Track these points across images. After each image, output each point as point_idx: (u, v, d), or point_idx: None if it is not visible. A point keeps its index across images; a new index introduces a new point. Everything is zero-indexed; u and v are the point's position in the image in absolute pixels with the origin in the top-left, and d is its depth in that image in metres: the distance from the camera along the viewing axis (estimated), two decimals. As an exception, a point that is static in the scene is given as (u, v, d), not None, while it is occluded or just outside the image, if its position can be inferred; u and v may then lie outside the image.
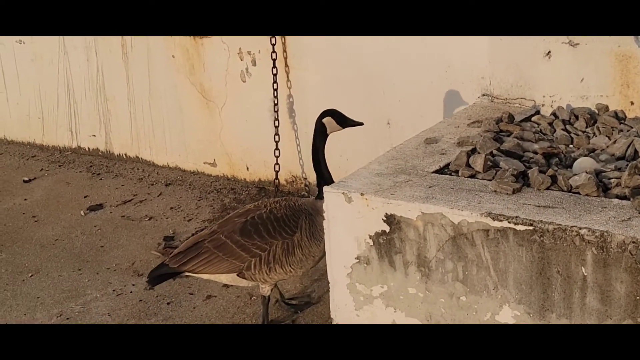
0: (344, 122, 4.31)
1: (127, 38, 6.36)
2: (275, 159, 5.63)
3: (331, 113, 4.32)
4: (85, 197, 6.18)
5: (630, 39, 3.81)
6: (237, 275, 4.13)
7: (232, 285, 4.72)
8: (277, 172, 5.67)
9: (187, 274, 4.19)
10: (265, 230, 4.08)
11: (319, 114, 5.19)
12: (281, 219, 4.10)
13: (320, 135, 4.29)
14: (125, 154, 6.76)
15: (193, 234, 5.34)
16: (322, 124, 4.28)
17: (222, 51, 5.87)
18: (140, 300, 4.67)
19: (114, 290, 4.81)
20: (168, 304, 4.62)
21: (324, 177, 4.22)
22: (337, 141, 4.62)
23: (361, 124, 4.31)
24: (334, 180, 3.98)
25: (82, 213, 5.88)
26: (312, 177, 5.71)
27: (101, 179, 6.51)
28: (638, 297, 2.75)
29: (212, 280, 4.35)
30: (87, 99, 6.80)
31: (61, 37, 6.74)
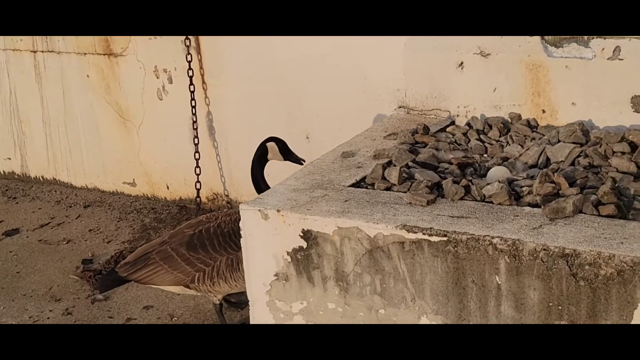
0: (287, 154, 4.36)
1: (40, 58, 6.21)
2: (196, 176, 5.56)
3: (276, 140, 4.33)
4: (0, 222, 6.00)
5: (539, 49, 3.87)
6: (184, 286, 4.12)
7: (153, 307, 4.66)
8: (198, 190, 5.60)
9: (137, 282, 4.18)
10: (211, 245, 4.06)
11: (239, 129, 5.10)
12: (227, 234, 4.08)
13: (259, 158, 4.32)
14: (42, 177, 6.60)
15: (116, 253, 5.24)
16: (264, 147, 4.30)
17: (137, 69, 5.78)
18: (58, 327, 4.56)
19: (30, 317, 4.68)
20: (87, 329, 4.52)
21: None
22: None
23: (302, 163, 4.31)
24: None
25: (-3, 239, 5.72)
26: (234, 194, 5.69)
27: (17, 202, 6.34)
28: (551, 304, 2.78)
29: (161, 289, 4.34)
30: (0, 121, 6.62)
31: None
